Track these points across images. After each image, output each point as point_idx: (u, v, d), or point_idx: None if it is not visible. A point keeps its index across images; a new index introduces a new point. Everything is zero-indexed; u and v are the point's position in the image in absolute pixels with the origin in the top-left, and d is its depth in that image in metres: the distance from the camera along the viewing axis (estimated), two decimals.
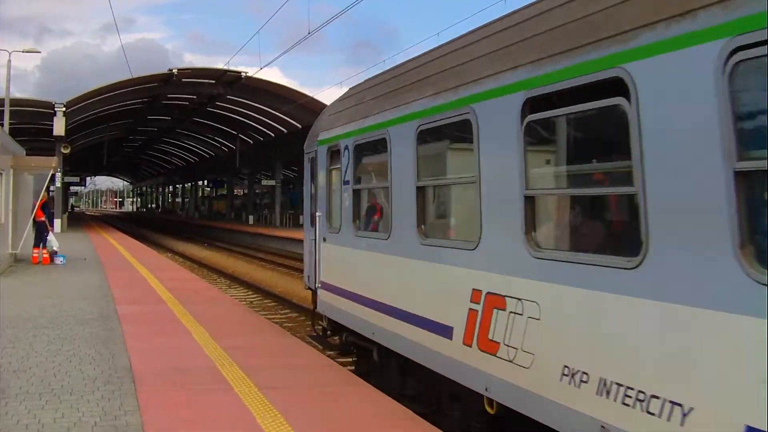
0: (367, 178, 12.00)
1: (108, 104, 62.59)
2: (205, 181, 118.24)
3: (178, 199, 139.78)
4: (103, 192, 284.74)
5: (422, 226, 9.51)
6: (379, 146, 10.86)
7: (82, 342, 13.49)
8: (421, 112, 9.37)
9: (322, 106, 61.86)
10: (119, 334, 14.32)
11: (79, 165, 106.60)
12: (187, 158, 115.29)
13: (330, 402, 9.67)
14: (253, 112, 71.83)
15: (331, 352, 14.97)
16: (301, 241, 50.80)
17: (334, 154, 13.02)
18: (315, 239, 13.89)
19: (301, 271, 36.57)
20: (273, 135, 77.39)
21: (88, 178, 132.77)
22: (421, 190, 9.54)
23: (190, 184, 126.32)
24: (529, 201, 7.13)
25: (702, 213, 5.11)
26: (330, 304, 13.28)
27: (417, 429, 8.63)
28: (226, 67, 60.59)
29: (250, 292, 28.20)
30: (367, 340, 11.68)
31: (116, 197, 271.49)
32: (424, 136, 9.50)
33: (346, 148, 12.12)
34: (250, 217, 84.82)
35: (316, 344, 14.98)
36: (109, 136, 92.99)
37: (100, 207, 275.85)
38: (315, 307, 14.56)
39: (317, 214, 13.73)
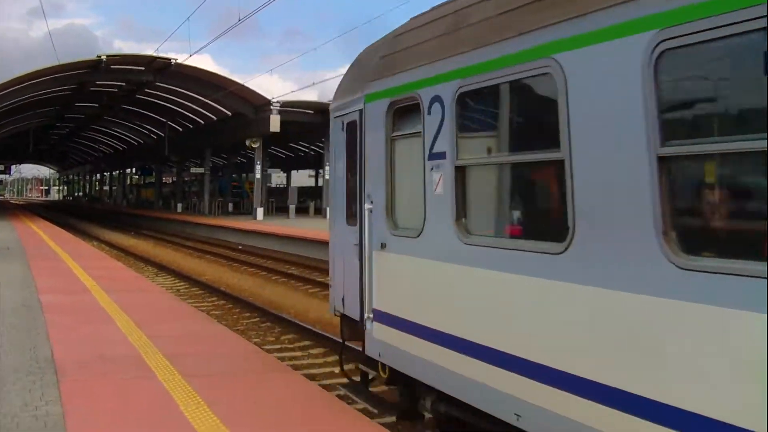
0: (488, 146, 7.47)
1: (34, 91, 61.19)
2: (134, 169, 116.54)
3: (106, 187, 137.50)
4: (28, 180, 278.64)
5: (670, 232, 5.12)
6: (523, 90, 6.82)
7: (3, 332, 13.27)
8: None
9: (253, 93, 61.56)
10: (42, 323, 14.11)
11: (4, 153, 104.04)
12: (116, 146, 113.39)
13: (255, 389, 9.72)
14: (182, 99, 70.95)
15: (384, 419, 10.10)
16: (228, 229, 50.93)
17: (402, 114, 8.63)
18: (360, 244, 9.39)
19: (228, 259, 36.98)
20: (203, 122, 76.59)
21: (13, 167, 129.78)
22: (664, 163, 5.10)
23: (118, 171, 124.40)
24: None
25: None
26: (395, 348, 8.64)
27: (341, 412, 8.77)
28: (156, 54, 59.79)
29: (177, 281, 27.96)
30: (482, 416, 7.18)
31: (42, 185, 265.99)
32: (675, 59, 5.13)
33: (437, 100, 7.68)
34: (179, 205, 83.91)
35: (352, 397, 10.45)
36: (35, 124, 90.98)
37: (26, 195, 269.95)
38: (345, 338, 10.65)
39: (366, 206, 9.21)
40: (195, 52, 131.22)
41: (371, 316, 9.18)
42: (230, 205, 77.73)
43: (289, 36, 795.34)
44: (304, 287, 25.50)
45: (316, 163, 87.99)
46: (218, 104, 66.62)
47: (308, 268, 31.00)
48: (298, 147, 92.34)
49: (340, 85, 10.75)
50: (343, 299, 10.16)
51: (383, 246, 8.85)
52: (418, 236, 8.03)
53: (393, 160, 8.82)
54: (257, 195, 63.79)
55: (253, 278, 28.42)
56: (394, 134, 8.77)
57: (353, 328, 9.97)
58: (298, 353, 15.46)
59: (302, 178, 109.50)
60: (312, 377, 12.75)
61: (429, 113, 7.83)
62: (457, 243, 7.30)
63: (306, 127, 65.35)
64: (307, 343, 16.28)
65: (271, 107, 59.60)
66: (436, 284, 7.76)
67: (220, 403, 8.92)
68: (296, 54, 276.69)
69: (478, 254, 7.02)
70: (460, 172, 7.34)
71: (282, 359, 14.03)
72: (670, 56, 5.01)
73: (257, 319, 19.29)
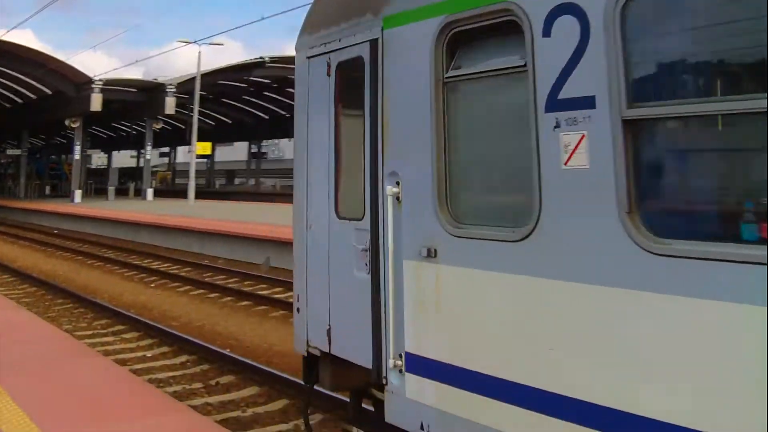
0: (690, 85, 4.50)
1: None
2: None
3: None
4: None
5: None
6: None
7: None
8: None
9: (75, 71, 59.18)
10: None
11: None
12: None
13: (60, 376, 9.64)
14: None
15: None
16: (44, 213, 48.92)
17: (469, 41, 5.67)
18: (373, 250, 6.32)
19: (43, 244, 35.75)
20: (21, 101, 73.21)
21: None
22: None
23: None
24: None
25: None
26: (461, 420, 5.54)
27: (144, 392, 8.85)
28: None
29: None
30: None
31: None
32: None
33: (570, 10, 4.76)
34: None
35: None
36: None
37: None
38: (313, 381, 7.50)
39: (389, 189, 6.13)
40: (14, 27, 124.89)
41: (401, 364, 6.06)
42: (47, 188, 74.74)
43: (119, 11, 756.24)
44: (120, 271, 25.08)
45: (138, 142, 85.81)
46: (38, 82, 63.83)
47: (124, 251, 30.46)
48: (121, 126, 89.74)
49: (316, 8, 7.61)
50: (328, 332, 6.96)
51: (431, 253, 5.77)
52: (522, 239, 5.02)
53: (450, 115, 5.73)
54: (75, 176, 61.68)
55: (68, 263, 27.63)
56: (453, 75, 5.69)
57: (344, 373, 6.96)
58: (111, 338, 15.27)
59: (124, 158, 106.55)
60: (123, 362, 12.68)
61: (548, 33, 4.90)
62: (631, 253, 4.35)
63: (129, 105, 63.67)
64: (120, 327, 16.10)
65: (93, 86, 57.65)
66: (570, 322, 4.73)
67: (24, 393, 8.82)
68: (121, 29, 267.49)
69: (683, 274, 4.12)
70: (634, 128, 4.43)
71: (93, 345, 13.84)
72: (633, 7, 4.36)
73: (70, 305, 18.85)
